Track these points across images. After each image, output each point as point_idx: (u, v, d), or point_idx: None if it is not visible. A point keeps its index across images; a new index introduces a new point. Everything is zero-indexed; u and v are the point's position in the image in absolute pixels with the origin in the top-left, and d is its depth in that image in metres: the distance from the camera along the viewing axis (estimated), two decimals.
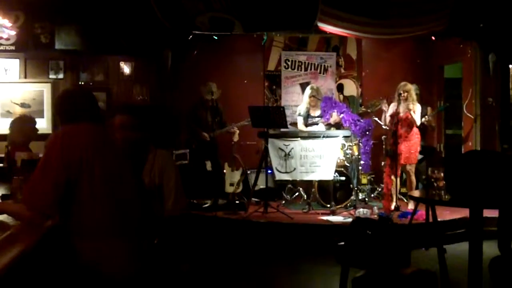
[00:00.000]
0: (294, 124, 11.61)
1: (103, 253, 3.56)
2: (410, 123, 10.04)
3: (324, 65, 12.73)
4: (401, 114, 10.00)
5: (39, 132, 7.65)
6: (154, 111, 10.67)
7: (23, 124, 7.42)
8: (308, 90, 10.82)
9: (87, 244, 3.55)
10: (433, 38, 11.55)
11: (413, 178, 10.18)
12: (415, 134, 10.17)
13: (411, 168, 10.17)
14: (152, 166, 4.87)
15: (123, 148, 4.04)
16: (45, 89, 11.07)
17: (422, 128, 10.79)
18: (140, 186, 3.99)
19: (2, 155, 6.99)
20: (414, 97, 10.20)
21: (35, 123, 7.60)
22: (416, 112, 10.10)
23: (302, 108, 10.91)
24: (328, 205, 10.18)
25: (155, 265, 3.88)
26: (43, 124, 10.31)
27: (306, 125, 10.77)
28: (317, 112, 10.78)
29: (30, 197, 3.51)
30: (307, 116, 10.75)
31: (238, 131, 10.80)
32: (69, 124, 3.74)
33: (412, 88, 10.19)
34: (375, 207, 10.02)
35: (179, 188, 4.95)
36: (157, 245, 3.87)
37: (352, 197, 10.33)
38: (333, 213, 9.95)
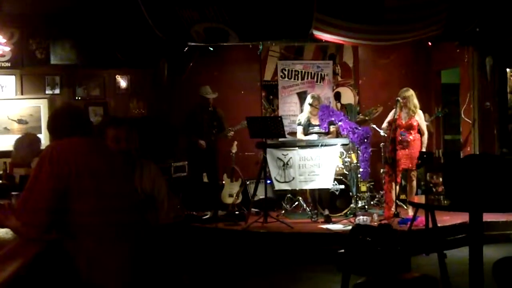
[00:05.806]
0: (292, 133, 11.59)
1: (100, 262, 3.55)
2: (411, 129, 10.00)
3: (321, 74, 12.70)
4: (403, 121, 9.96)
5: None
6: (147, 123, 10.66)
7: (30, 143, 7.40)
8: (309, 99, 10.69)
9: (82, 255, 3.54)
10: (429, 43, 11.55)
11: (415, 183, 10.14)
12: (417, 140, 10.13)
13: (414, 173, 10.11)
14: (140, 177, 4.89)
15: (118, 160, 4.03)
16: (42, 105, 11.12)
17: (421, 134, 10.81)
18: (135, 196, 3.98)
19: (0, 172, 7.00)
20: (416, 103, 10.15)
21: (40, 141, 7.61)
22: (420, 119, 10.08)
23: (303, 117, 10.77)
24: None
25: (154, 275, 3.86)
26: (41, 140, 10.30)
27: (307, 134, 10.64)
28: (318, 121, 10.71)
29: (22, 212, 3.50)
30: (308, 125, 10.62)
31: (236, 142, 10.83)
32: (60, 139, 3.75)
33: (413, 93, 10.14)
34: (375, 214, 9.97)
35: (171, 196, 5.03)
36: (156, 254, 3.86)
37: (352, 205, 10.34)
38: (333, 221, 9.93)
